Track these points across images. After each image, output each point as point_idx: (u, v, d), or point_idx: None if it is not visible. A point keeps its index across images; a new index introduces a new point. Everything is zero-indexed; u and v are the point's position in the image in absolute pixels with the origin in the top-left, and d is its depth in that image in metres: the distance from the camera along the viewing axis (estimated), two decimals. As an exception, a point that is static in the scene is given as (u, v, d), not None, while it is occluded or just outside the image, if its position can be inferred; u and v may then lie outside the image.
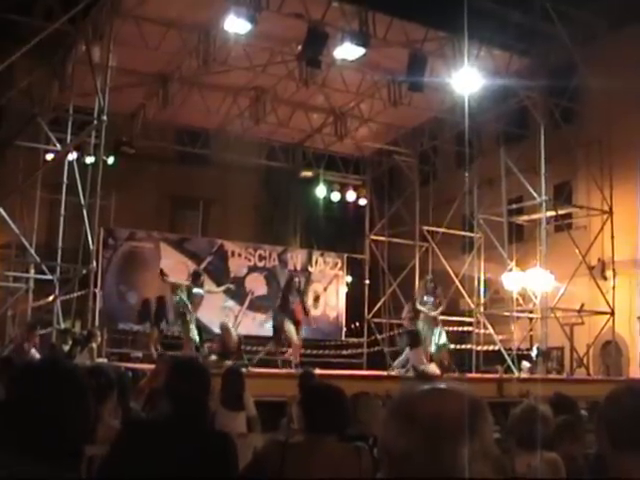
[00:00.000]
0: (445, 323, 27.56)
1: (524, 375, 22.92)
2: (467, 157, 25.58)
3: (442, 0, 21.28)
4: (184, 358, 6.16)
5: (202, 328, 21.54)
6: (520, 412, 5.79)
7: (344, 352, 29.90)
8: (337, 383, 14.82)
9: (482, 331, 26.83)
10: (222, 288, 23.74)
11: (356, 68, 24.34)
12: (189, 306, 20.00)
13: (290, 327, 20.61)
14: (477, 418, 2.46)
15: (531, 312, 26.78)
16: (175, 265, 26.12)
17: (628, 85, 25.71)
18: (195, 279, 20.89)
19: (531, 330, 27.26)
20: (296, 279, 22.15)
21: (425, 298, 21.85)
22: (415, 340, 20.07)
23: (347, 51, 21.59)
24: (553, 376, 23.20)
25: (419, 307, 21.91)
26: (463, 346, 28.01)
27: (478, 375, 20.08)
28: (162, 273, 21.58)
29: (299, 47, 21.95)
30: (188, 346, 19.69)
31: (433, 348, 21.38)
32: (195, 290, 20.46)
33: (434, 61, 23.28)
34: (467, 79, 22.39)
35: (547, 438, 5.63)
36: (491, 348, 26.39)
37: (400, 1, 23.36)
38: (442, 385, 2.58)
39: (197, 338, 19.84)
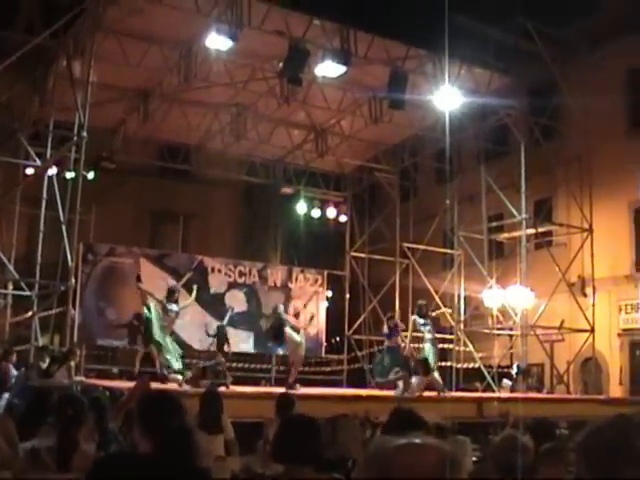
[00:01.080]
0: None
1: (504, 393, 22.89)
2: (447, 174, 25.63)
3: (423, 18, 21.31)
4: (154, 392, 6.08)
5: (181, 344, 21.42)
6: (500, 441, 5.74)
7: (325, 369, 29.84)
8: (317, 403, 14.75)
9: (462, 348, 26.81)
10: (192, 297, 23.32)
11: (337, 85, 24.37)
12: (152, 322, 19.76)
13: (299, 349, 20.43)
14: (452, 472, 2.41)
15: (511, 329, 26.81)
16: (155, 281, 25.97)
17: (607, 103, 25.85)
18: (170, 296, 20.64)
19: (511, 347, 27.26)
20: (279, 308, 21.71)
21: (422, 321, 21.73)
22: (427, 368, 19.90)
23: (328, 69, 21.63)
24: (533, 395, 23.16)
25: (423, 331, 21.75)
26: (443, 363, 27.97)
27: (458, 395, 19.98)
28: (138, 279, 21.46)
29: (280, 64, 21.95)
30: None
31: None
32: (169, 307, 20.25)
33: (415, 79, 23.32)
34: (448, 97, 22.42)
35: (527, 466, 5.58)
36: (471, 365, 26.39)
37: (381, 19, 23.43)
38: (417, 440, 2.53)
39: (172, 358, 19.53)
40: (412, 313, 25.23)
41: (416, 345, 21.17)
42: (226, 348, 20.28)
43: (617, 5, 27.39)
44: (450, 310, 26.57)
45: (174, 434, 4.66)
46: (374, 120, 26.19)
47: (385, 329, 21.04)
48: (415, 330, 20.89)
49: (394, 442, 2.50)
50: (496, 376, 25.02)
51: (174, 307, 20.35)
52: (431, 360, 20.08)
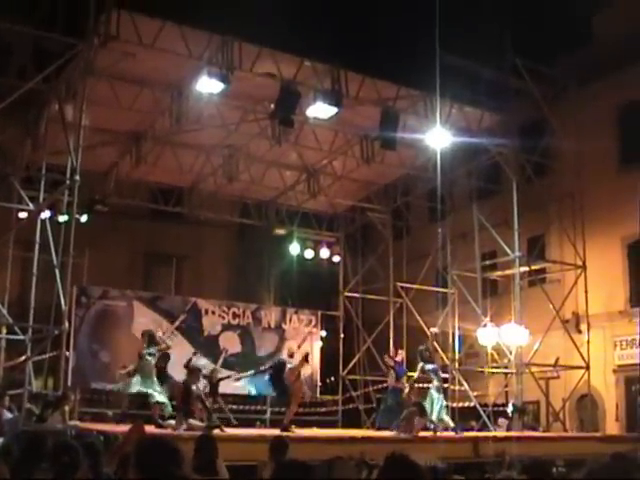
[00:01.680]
0: (419, 380, 27.55)
1: (500, 432, 22.79)
2: (439, 213, 25.66)
3: (413, 58, 21.51)
4: (151, 438, 6.02)
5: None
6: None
7: (319, 410, 29.71)
8: (312, 446, 14.66)
9: (457, 387, 26.69)
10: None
11: (329, 126, 24.47)
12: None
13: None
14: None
15: (506, 367, 26.71)
16: (149, 324, 25.92)
17: (599, 139, 26.00)
18: (150, 340, 20.24)
19: (506, 385, 27.17)
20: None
21: (428, 366, 21.64)
22: (423, 412, 19.81)
23: (320, 110, 21.74)
24: (530, 433, 23.03)
25: (433, 377, 21.67)
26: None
27: (453, 435, 19.90)
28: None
29: (272, 106, 22.05)
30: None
31: (444, 412, 21.16)
32: (149, 351, 19.90)
33: (406, 118, 23.47)
34: (439, 136, 22.51)
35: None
36: (467, 404, 26.24)
37: (372, 60, 23.58)
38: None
39: (164, 401, 19.33)
40: (406, 352, 25.25)
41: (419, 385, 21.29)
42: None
43: (605, 40, 27.64)
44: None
45: None
46: (366, 160, 26.27)
47: (394, 368, 21.15)
48: (424, 375, 21.05)
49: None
50: (492, 415, 24.91)
51: (152, 350, 19.93)
52: (437, 406, 20.08)
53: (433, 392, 20.86)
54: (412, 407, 19.76)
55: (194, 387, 17.67)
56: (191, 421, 17.04)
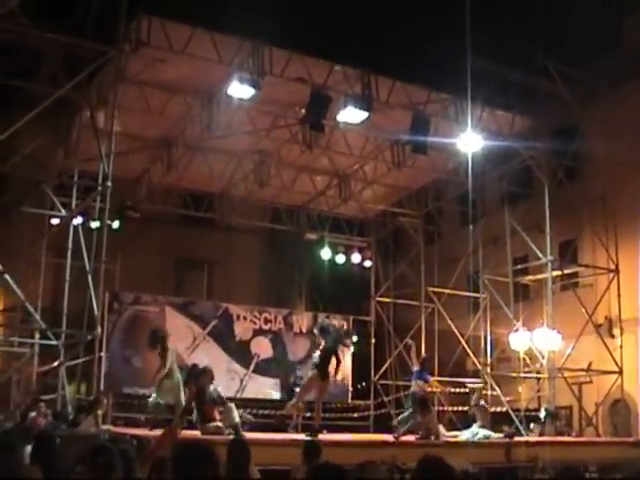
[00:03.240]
0: (451, 384, 27.47)
1: (533, 437, 22.69)
2: (471, 217, 25.59)
3: (444, 62, 21.49)
4: (188, 441, 6.01)
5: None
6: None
7: (351, 415, 29.68)
8: (344, 450, 14.65)
9: (489, 392, 26.58)
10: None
11: (359, 131, 24.43)
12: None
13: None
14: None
15: (538, 372, 26.61)
16: (181, 329, 26.06)
17: (629, 142, 25.84)
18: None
19: (539, 390, 27.07)
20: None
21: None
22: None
23: (350, 115, 21.72)
24: (562, 439, 22.89)
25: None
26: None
27: (486, 440, 19.80)
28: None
29: (302, 111, 22.10)
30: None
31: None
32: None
33: (437, 123, 23.42)
34: (470, 140, 22.46)
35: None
36: (498, 409, 26.13)
37: (402, 64, 23.57)
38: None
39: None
40: (438, 356, 25.20)
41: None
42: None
43: (635, 42, 27.51)
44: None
45: None
46: (397, 165, 26.26)
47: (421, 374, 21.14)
48: None
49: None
50: (524, 420, 24.80)
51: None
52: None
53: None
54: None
55: (209, 388, 17.45)
56: (209, 425, 16.89)
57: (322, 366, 17.95)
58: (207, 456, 4.93)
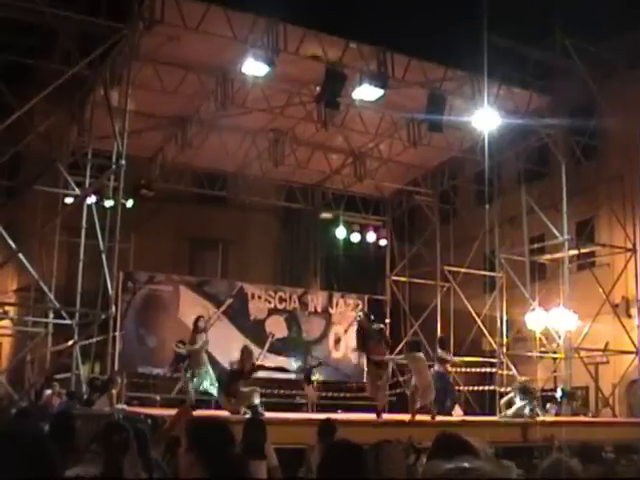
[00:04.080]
0: (467, 364, 27.46)
1: (549, 417, 22.67)
2: (487, 196, 25.53)
3: (460, 39, 21.39)
4: (206, 419, 5.97)
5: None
6: (548, 465, 5.67)
7: (366, 394, 29.70)
8: (359, 429, 14.67)
9: (505, 372, 26.55)
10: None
11: (375, 109, 24.39)
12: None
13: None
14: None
15: (555, 352, 26.56)
16: (195, 308, 26.06)
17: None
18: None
19: (555, 370, 27.01)
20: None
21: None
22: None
23: (366, 92, 21.66)
24: (578, 419, 22.87)
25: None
26: (486, 387, 27.80)
27: (501, 419, 19.81)
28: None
29: (317, 89, 22.03)
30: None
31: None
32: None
33: (453, 100, 23.32)
34: (487, 118, 22.39)
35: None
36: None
37: (418, 41, 23.44)
38: (466, 464, 2.51)
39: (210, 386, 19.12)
40: (453, 335, 25.20)
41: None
42: None
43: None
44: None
45: (234, 463, 4.68)
46: (412, 143, 26.20)
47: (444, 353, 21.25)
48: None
49: (443, 466, 2.48)
50: (540, 400, 24.79)
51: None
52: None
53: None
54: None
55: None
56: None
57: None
58: (223, 433, 4.94)
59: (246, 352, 17.88)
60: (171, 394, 24.56)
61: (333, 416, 13.82)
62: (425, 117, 23.44)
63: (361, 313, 20.70)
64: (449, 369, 23.50)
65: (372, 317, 19.81)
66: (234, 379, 17.10)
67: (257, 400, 16.76)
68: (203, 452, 4.67)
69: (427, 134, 25.35)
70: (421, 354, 18.76)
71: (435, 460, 3.27)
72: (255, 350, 25.23)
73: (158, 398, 25.37)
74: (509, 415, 19.92)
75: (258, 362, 21.51)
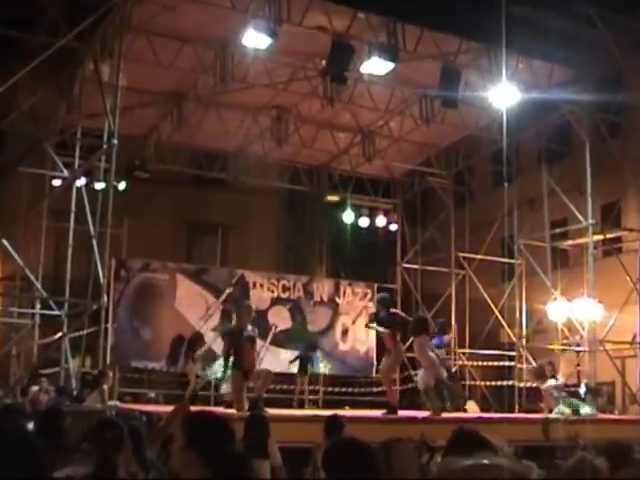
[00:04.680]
0: (484, 358, 27.45)
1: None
2: (505, 177, 25.46)
3: (476, 9, 21.27)
4: (205, 414, 5.95)
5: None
6: (573, 464, 5.66)
7: (375, 389, 29.73)
8: (368, 426, 14.68)
9: (524, 366, 26.56)
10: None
11: (385, 84, 24.34)
12: None
13: None
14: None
15: (578, 345, 26.52)
16: (193, 298, 26.11)
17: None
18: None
19: (578, 365, 26.97)
20: None
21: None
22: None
23: (375, 66, 21.59)
24: (604, 416, 22.85)
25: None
26: (504, 382, 27.79)
27: (521, 416, 19.83)
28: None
29: (323, 62, 21.99)
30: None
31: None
32: None
33: (469, 74, 23.28)
34: (505, 93, 22.30)
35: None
36: (534, 385, 26.12)
37: (431, 11, 23.31)
38: (485, 460, 2.51)
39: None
40: (469, 327, 25.19)
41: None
42: None
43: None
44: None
45: (236, 462, 4.68)
46: (425, 120, 26.15)
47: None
48: None
49: (461, 463, 2.48)
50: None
51: None
52: None
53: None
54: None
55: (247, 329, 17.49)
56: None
57: None
58: (224, 429, 4.94)
59: (245, 309, 17.85)
60: (168, 389, 24.63)
61: (340, 413, 13.83)
62: (438, 92, 23.39)
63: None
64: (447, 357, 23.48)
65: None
66: (236, 339, 16.96)
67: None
68: (203, 450, 4.67)
69: (441, 111, 25.31)
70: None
71: (452, 457, 3.26)
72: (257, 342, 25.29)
73: (153, 394, 25.43)
74: (565, 414, 19.98)
75: (260, 357, 21.65)
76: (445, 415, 18.37)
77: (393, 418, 17.58)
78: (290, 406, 23.73)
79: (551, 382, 21.04)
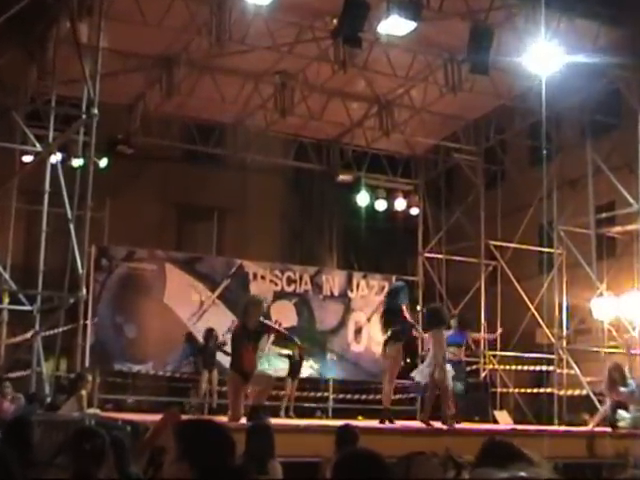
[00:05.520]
0: (517, 361, 27.43)
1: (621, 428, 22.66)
2: (544, 154, 25.41)
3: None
4: (202, 422, 5.89)
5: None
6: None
7: (395, 397, 29.76)
8: (386, 439, 14.67)
9: (565, 371, 26.55)
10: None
11: (405, 46, 24.30)
12: None
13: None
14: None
15: (628, 347, 26.50)
16: (185, 291, 26.13)
17: None
18: None
19: (628, 369, 26.99)
20: None
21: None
22: None
23: (394, 25, 21.51)
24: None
25: None
26: (541, 390, 27.78)
27: (563, 429, 19.82)
28: None
29: (334, 21, 21.92)
30: None
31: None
32: None
33: (502, 35, 23.18)
34: (544, 57, 22.22)
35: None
36: (577, 392, 26.11)
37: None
38: (523, 473, 2.49)
39: None
40: (501, 326, 25.18)
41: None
42: None
43: None
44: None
45: (236, 477, 4.67)
46: (451, 89, 26.03)
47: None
48: None
49: (496, 475, 2.46)
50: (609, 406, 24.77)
51: None
52: None
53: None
54: None
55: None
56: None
57: None
58: (223, 439, 4.91)
59: (252, 302, 17.86)
60: (156, 396, 24.69)
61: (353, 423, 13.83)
62: (467, 56, 23.35)
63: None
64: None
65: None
66: (238, 338, 16.99)
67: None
68: (199, 463, 4.65)
69: (469, 77, 25.22)
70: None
71: (485, 468, 3.25)
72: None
73: (130, 400, 25.51)
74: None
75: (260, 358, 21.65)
76: (473, 426, 18.38)
77: (413, 429, 17.59)
78: (277, 415, 23.65)
79: (624, 389, 20.93)
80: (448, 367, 18.71)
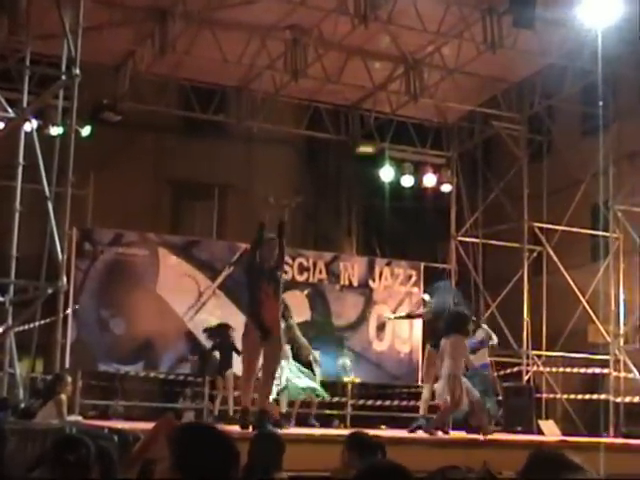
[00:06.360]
0: (566, 363, 27.40)
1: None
2: (601, 121, 25.30)
3: None
4: (196, 428, 5.82)
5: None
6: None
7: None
8: (414, 451, 14.68)
9: (622, 374, 26.51)
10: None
11: (436, -4, 24.26)
12: None
13: None
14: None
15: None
16: (180, 279, 26.12)
17: None
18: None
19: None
20: None
21: None
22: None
23: (423, -29, 21.51)
24: None
25: None
26: (594, 396, 27.75)
27: (620, 441, 19.78)
28: None
29: (355, -33, 21.91)
30: None
31: None
32: None
33: (550, -17, 23.15)
34: (600, 8, 22.11)
35: None
36: (636, 399, 26.08)
37: None
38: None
39: None
40: (547, 321, 25.12)
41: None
42: None
43: None
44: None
45: None
46: (490, 46, 25.93)
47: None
48: None
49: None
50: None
51: None
52: None
53: None
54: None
55: None
56: None
57: None
58: (224, 447, 4.87)
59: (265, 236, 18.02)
60: (147, 401, 24.71)
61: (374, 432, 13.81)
62: (508, 8, 23.27)
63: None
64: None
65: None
66: (253, 274, 17.07)
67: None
68: (193, 473, 4.62)
69: (512, 33, 25.13)
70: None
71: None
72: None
73: (117, 406, 25.55)
74: None
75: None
76: (515, 437, 18.38)
77: (447, 440, 17.61)
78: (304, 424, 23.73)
79: None
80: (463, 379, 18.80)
